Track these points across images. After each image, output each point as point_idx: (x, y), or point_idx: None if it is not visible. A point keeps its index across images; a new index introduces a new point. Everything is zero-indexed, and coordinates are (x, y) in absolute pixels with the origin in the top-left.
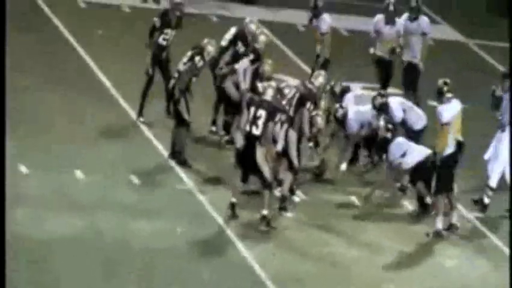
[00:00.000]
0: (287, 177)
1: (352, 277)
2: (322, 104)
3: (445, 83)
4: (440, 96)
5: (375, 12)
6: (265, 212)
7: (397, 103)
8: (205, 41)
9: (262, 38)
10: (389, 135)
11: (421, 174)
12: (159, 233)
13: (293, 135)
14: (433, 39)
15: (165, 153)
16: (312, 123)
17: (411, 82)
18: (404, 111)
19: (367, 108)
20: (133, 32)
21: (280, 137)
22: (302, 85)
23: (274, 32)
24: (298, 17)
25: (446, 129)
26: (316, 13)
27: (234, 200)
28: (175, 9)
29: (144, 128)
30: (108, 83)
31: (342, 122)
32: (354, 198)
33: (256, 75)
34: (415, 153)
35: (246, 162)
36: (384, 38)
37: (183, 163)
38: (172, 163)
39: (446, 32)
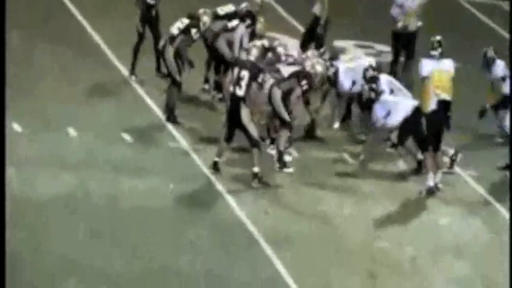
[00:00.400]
0: (282, 134)
1: (344, 235)
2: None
3: (438, 42)
4: (432, 50)
5: None
6: (255, 169)
7: (386, 82)
8: (201, 11)
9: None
10: (373, 95)
11: (408, 131)
12: (151, 191)
13: (277, 92)
14: None
15: (158, 111)
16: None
17: (412, 49)
18: (391, 91)
19: (358, 65)
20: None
21: (265, 95)
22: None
23: None
24: None
25: (427, 83)
26: None
27: (216, 159)
28: None
29: (136, 85)
30: (100, 42)
31: (333, 79)
32: (346, 156)
33: (253, 37)
34: (399, 111)
35: (234, 121)
36: (407, 11)
37: (173, 121)
38: (165, 121)
39: None
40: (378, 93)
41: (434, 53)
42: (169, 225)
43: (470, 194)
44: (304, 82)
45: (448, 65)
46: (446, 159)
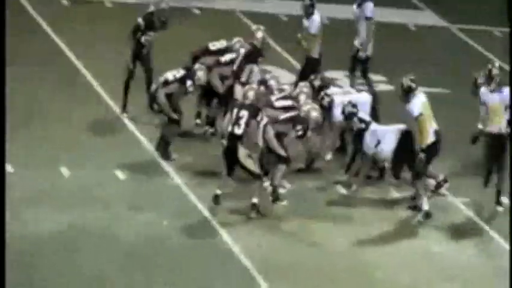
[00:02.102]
0: (278, 168)
1: (338, 265)
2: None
3: (412, 80)
4: (408, 94)
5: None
6: (255, 200)
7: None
8: (197, 66)
9: (259, 34)
10: (363, 125)
11: (401, 161)
12: (145, 227)
13: (271, 131)
14: (415, 25)
15: (150, 147)
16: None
17: (362, 70)
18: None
19: (352, 98)
20: (116, 27)
21: (259, 133)
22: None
23: (256, 23)
24: (281, 8)
25: (423, 120)
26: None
27: (218, 191)
28: (160, 14)
29: (128, 122)
30: (91, 78)
31: (327, 110)
32: (339, 186)
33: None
34: (389, 139)
35: (231, 159)
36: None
37: (167, 158)
38: (158, 157)
39: (429, 18)
40: (367, 123)
41: (415, 92)
42: (164, 260)
43: (463, 220)
44: (299, 127)
45: (424, 96)
46: (432, 181)
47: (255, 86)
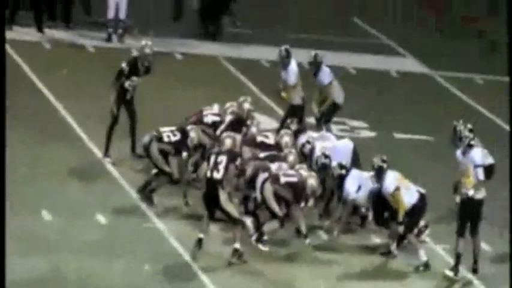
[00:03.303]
0: (271, 223)
1: None
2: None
3: (383, 161)
4: (380, 174)
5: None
6: (237, 245)
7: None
8: (189, 127)
9: (246, 105)
10: (343, 171)
11: (381, 209)
12: (126, 273)
13: (268, 188)
14: (397, 71)
15: (132, 191)
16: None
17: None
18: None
19: (334, 145)
20: (98, 72)
21: (257, 187)
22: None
23: (238, 68)
24: (262, 53)
25: (398, 194)
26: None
27: (201, 235)
28: (144, 59)
29: (110, 167)
30: (72, 122)
31: (308, 157)
32: (321, 232)
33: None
34: (369, 185)
35: (211, 204)
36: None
37: (149, 203)
38: (139, 201)
39: (410, 65)
40: (347, 169)
41: (387, 171)
42: None
43: (443, 266)
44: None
45: (395, 172)
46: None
47: (232, 134)
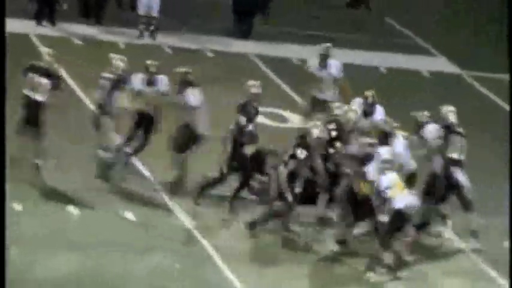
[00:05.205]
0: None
1: None
2: None
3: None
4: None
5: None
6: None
7: None
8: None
9: (315, 131)
10: None
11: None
12: (156, 271)
13: (284, 171)
14: (429, 71)
15: (160, 188)
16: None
17: None
18: None
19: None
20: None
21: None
22: None
23: (269, 66)
24: (293, 52)
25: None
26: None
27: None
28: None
29: (139, 162)
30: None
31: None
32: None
33: None
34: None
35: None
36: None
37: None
38: (168, 199)
39: (442, 65)
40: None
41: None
42: None
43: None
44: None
45: (393, 175)
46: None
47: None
